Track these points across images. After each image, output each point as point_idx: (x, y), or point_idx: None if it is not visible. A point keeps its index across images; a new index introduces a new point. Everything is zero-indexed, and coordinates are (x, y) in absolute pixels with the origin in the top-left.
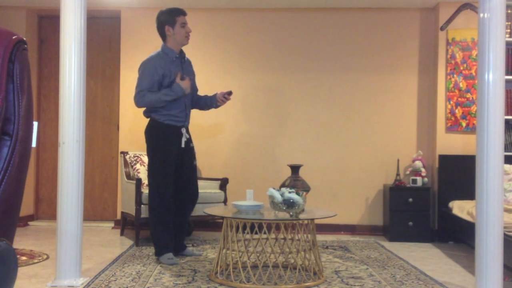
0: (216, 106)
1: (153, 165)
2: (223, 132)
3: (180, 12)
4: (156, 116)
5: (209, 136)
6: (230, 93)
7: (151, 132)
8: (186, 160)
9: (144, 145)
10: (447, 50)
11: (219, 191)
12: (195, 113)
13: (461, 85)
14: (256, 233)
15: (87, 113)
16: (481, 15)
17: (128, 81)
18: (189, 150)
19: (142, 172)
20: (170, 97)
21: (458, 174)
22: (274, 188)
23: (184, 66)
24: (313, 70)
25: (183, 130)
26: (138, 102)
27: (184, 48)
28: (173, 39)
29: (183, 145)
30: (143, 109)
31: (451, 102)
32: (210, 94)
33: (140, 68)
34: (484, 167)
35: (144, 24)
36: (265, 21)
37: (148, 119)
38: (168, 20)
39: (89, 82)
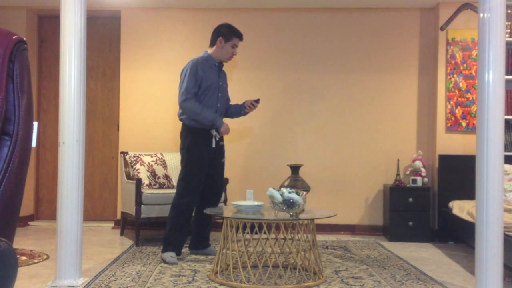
0: (245, 113)
1: (185, 168)
2: None
3: (239, 35)
4: (186, 121)
5: None
6: (257, 100)
7: (184, 137)
8: (216, 158)
9: (144, 145)
10: (447, 50)
11: None
12: None
13: (461, 85)
14: (256, 233)
15: (87, 113)
16: (481, 15)
17: (128, 81)
18: (220, 149)
19: (142, 172)
20: (207, 122)
21: (458, 174)
22: (274, 188)
23: (221, 75)
24: (313, 70)
25: (213, 132)
26: (183, 103)
27: (183, 48)
28: (218, 51)
29: (213, 145)
30: (145, 109)
31: (451, 102)
32: None
33: (186, 69)
34: (484, 167)
35: (144, 24)
36: (265, 21)
37: (181, 122)
38: (226, 34)
39: (89, 82)
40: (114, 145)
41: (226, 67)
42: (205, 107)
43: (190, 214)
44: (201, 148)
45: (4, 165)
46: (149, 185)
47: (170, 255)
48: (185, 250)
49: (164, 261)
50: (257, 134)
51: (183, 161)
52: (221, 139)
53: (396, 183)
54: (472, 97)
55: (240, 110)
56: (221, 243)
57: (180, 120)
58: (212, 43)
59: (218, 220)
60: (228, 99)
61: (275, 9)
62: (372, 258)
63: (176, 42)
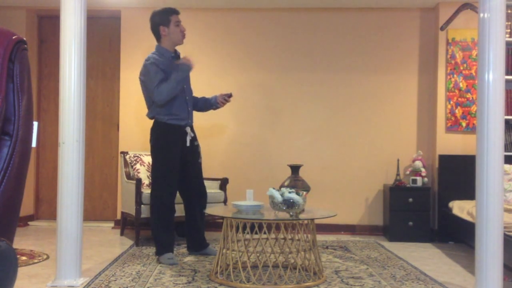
0: (216, 108)
1: (156, 165)
2: (223, 132)
3: (174, 11)
4: (159, 117)
5: (209, 136)
6: (230, 95)
7: (155, 133)
8: (191, 159)
9: (144, 145)
10: (447, 50)
11: (219, 191)
12: (195, 113)
13: (461, 85)
14: (256, 233)
15: (87, 113)
16: (481, 15)
17: (128, 81)
18: (194, 149)
19: (142, 172)
20: (181, 75)
21: (458, 174)
22: (274, 188)
23: None
24: (313, 70)
25: (188, 129)
26: (159, 96)
27: (183, 48)
28: (168, 39)
29: (188, 144)
30: (145, 109)
31: (451, 102)
32: (209, 94)
33: (143, 72)
34: (484, 167)
35: (144, 24)
36: (265, 21)
37: (153, 120)
38: (162, 20)
39: (89, 82)
40: (114, 145)
41: (224, 64)
42: (169, 80)
43: (167, 212)
44: (174, 146)
45: (4, 165)
46: (149, 185)
47: (167, 257)
48: (185, 250)
49: (163, 263)
50: (257, 134)
51: (154, 159)
52: (195, 138)
53: (396, 183)
54: (472, 97)
55: (211, 105)
56: (221, 243)
57: (151, 118)
58: (158, 38)
59: (218, 220)
60: (191, 91)
61: (275, 9)
62: (372, 258)
63: None
